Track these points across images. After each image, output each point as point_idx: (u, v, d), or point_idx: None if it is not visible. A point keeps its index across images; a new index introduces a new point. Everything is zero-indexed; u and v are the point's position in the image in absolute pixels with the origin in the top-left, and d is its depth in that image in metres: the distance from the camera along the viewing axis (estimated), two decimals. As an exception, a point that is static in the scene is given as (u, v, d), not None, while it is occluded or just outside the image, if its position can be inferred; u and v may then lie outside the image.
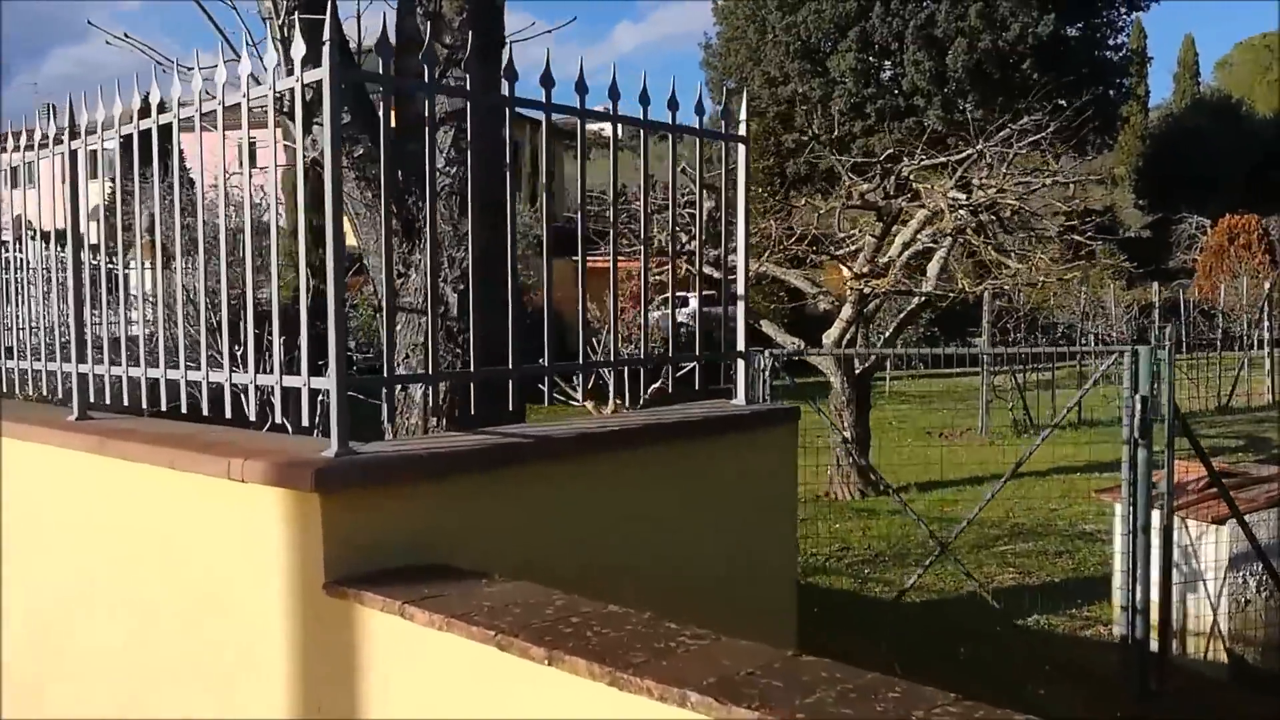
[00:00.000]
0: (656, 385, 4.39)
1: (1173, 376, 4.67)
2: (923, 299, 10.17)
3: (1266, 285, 18.84)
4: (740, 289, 3.83)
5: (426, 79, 2.79)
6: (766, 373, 5.05)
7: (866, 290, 9.56)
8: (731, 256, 3.95)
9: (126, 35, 4.51)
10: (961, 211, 9.40)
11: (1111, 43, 40.90)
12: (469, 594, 2.27)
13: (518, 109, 3.08)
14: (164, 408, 3.30)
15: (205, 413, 2.96)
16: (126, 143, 3.40)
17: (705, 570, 3.36)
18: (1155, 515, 4.84)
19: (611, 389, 3.45)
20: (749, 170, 3.87)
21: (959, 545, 8.60)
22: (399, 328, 4.78)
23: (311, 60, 2.62)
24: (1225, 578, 5.13)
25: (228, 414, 3.06)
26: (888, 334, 10.96)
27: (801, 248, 10.68)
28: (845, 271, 10.10)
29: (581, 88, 3.12)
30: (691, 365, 3.62)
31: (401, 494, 2.56)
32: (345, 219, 4.77)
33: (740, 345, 3.81)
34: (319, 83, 2.60)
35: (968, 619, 6.53)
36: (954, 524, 8.28)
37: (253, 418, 2.91)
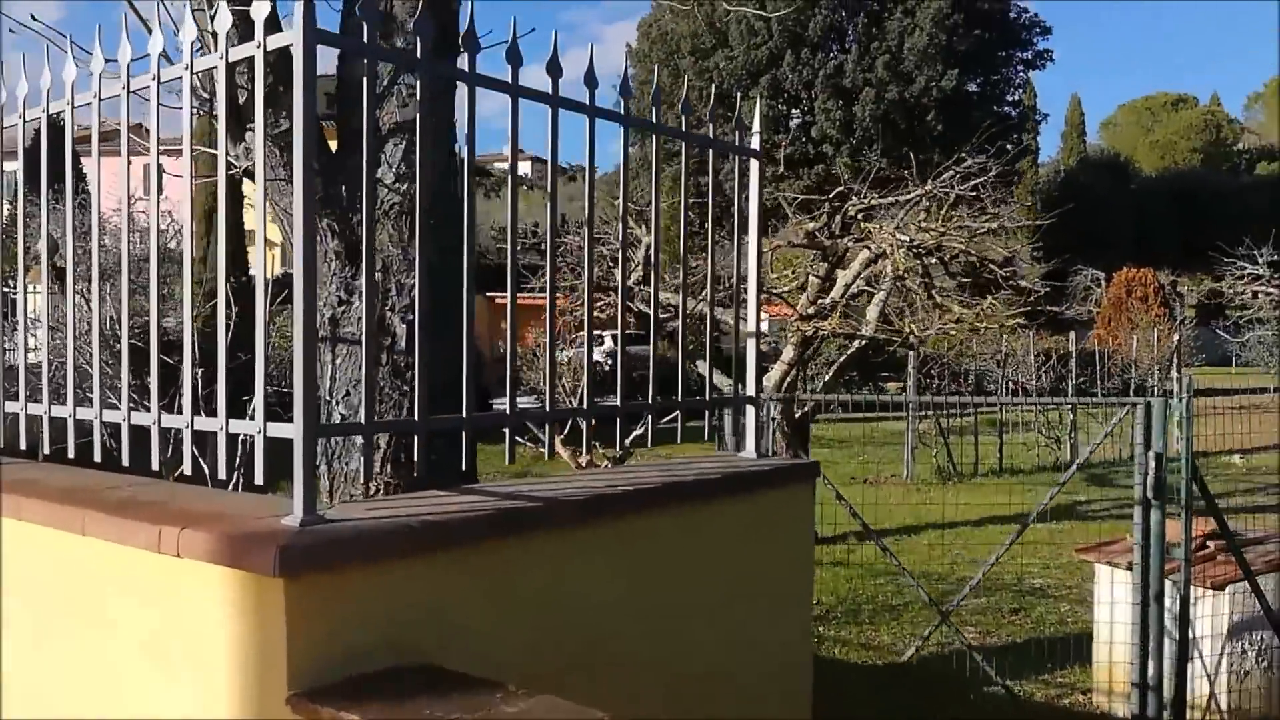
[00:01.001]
0: (638, 432, 3.87)
1: (1191, 431, 4.38)
2: (863, 342, 9.90)
3: (1176, 338, 19.44)
4: (751, 324, 3.36)
5: (366, 39, 2.23)
6: (775, 421, 4.59)
7: (810, 332, 9.22)
8: (742, 286, 3.48)
9: (33, 18, 3.81)
10: (900, 253, 9.18)
11: (1009, 99, 42.51)
12: (485, 716, 1.71)
13: (478, 86, 2.40)
14: (71, 452, 2.63)
15: (125, 461, 2.34)
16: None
17: (723, 652, 2.84)
18: (1162, 582, 4.51)
19: (585, 436, 2.94)
20: (763, 189, 3.43)
21: (910, 601, 8.25)
22: (339, 361, 4.16)
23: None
24: (1225, 648, 4.83)
25: (124, 461, 2.45)
26: (827, 377, 10.67)
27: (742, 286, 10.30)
28: (790, 312, 9.77)
29: (555, 69, 2.54)
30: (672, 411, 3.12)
31: (387, 574, 1.98)
32: (281, 237, 4.13)
33: (750, 389, 3.33)
34: (272, 57, 2.05)
35: (944, 684, 6.13)
36: (901, 577, 7.92)
37: (155, 465, 2.32)
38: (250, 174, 4.23)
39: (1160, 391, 18.41)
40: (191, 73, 2.26)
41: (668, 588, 2.69)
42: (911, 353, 13.86)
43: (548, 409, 2.60)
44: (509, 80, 2.42)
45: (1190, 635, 4.79)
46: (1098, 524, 11.75)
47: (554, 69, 2.53)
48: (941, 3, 37.19)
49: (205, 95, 3.63)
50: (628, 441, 4.10)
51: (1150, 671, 4.43)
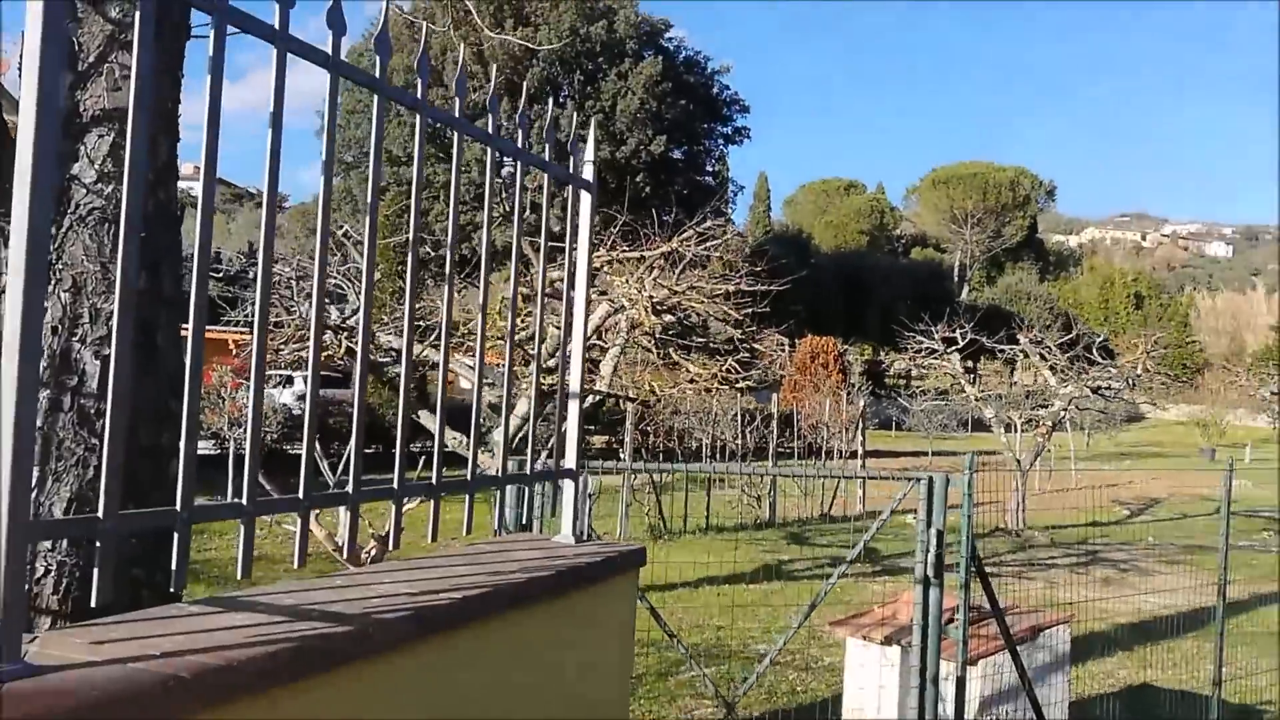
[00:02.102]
0: (411, 505, 3.20)
1: (971, 508, 4.35)
2: (598, 397, 9.62)
3: (861, 404, 21.06)
4: (575, 384, 2.85)
5: None
6: (589, 495, 4.05)
7: (548, 385, 8.81)
8: (558, 335, 2.96)
9: None
10: (643, 308, 9.04)
11: (709, 169, 45.12)
12: None
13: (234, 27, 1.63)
14: None
15: None
16: None
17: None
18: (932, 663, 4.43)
19: (351, 525, 2.29)
20: (593, 228, 2.95)
21: (642, 674, 7.93)
22: None
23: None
24: None
25: None
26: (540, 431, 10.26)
27: (466, 333, 9.75)
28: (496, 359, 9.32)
29: (337, 23, 1.93)
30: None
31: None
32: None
33: (571, 460, 2.81)
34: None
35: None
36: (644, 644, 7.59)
37: None
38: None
39: (848, 453, 19.78)
40: None
41: (492, 712, 2.11)
42: (630, 408, 13.83)
43: (302, 494, 1.88)
44: (328, 52, 1.79)
45: (945, 712, 4.77)
46: (805, 583, 12.16)
47: (335, 22, 1.93)
48: (653, 70, 38.88)
49: None
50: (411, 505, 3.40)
51: (929, 753, 4.33)
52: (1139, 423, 50.35)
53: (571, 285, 2.88)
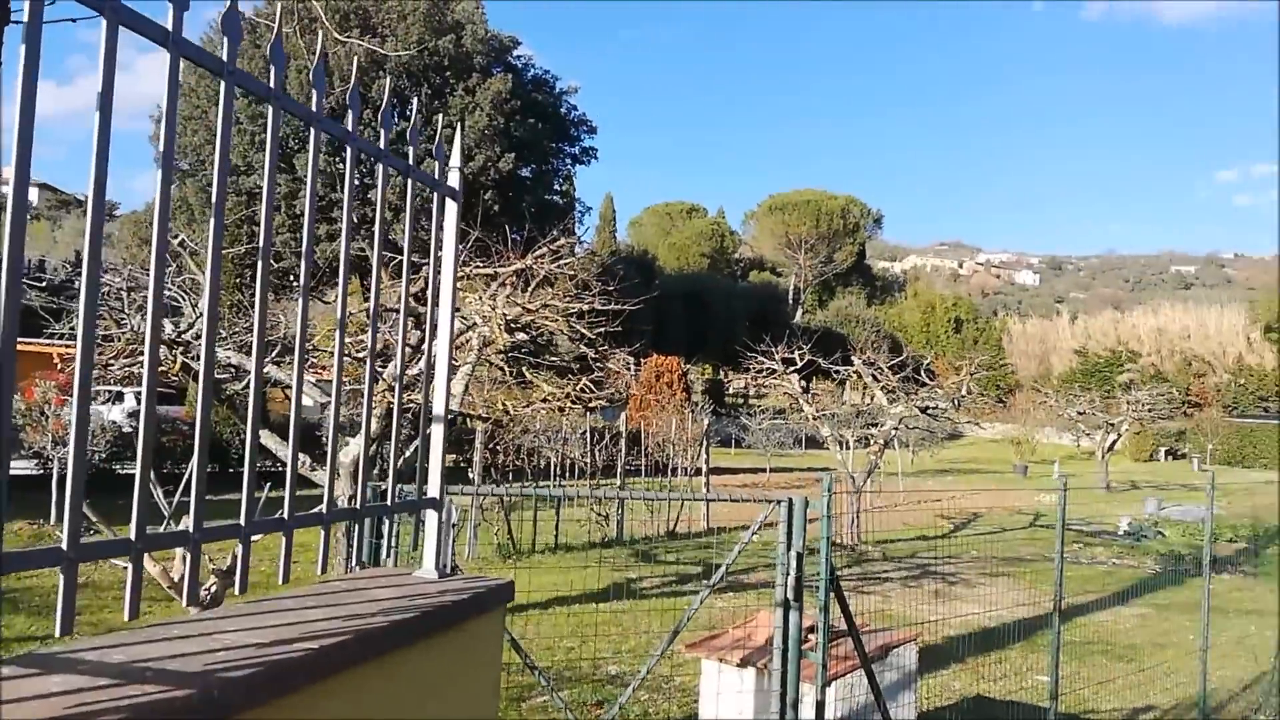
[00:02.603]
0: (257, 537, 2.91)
1: (830, 530, 4.36)
2: (450, 416, 9.31)
3: (706, 422, 21.32)
4: (439, 406, 2.66)
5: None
6: (456, 526, 3.78)
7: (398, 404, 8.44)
8: (408, 351, 2.75)
9: None
10: (497, 325, 8.83)
11: (557, 188, 45.08)
12: None
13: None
14: None
15: None
16: None
17: None
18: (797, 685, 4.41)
19: (190, 566, 2.05)
20: (457, 239, 2.77)
21: (503, 698, 7.68)
22: None
23: None
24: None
25: None
26: (407, 454, 9.86)
27: (313, 349, 9.27)
28: (383, 383, 8.89)
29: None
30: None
31: None
32: None
33: (435, 488, 2.62)
34: None
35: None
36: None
37: None
38: None
39: (693, 470, 19.98)
40: None
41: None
42: (480, 428, 13.50)
43: (135, 533, 1.66)
44: None
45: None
46: (655, 601, 12.12)
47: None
48: (502, 87, 38.55)
49: None
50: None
51: (790, 779, 4.28)
52: (958, 440, 53.28)
53: (436, 300, 2.69)
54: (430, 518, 2.61)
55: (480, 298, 8.69)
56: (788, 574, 4.25)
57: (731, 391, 64.55)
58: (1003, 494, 27.12)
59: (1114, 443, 35.94)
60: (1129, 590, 14.64)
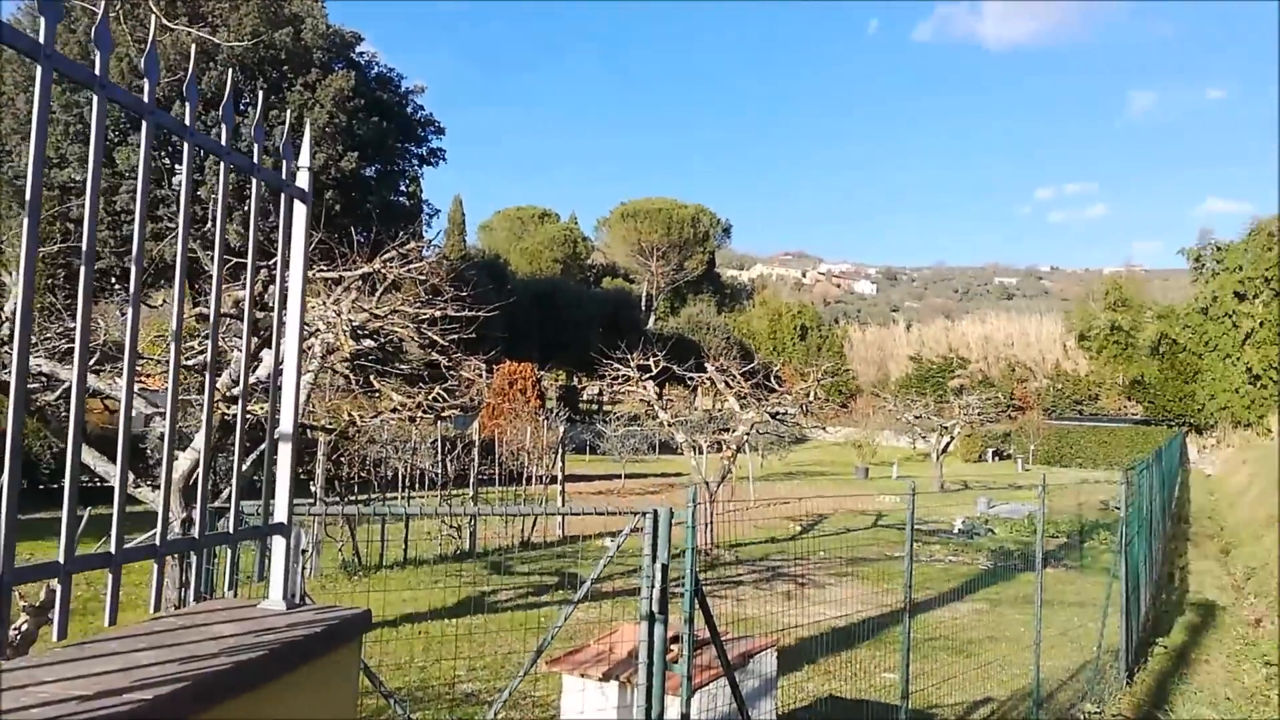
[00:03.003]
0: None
1: (694, 541, 4.31)
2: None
3: (561, 429, 21.16)
4: (287, 422, 2.47)
5: None
6: (307, 553, 3.51)
7: (231, 416, 7.98)
8: (239, 360, 2.54)
9: None
10: (342, 332, 8.48)
11: (403, 189, 44.05)
12: None
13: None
14: None
15: None
16: None
17: None
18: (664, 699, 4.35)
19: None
20: (308, 244, 2.58)
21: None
22: None
23: None
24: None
25: None
26: (246, 466, 9.34)
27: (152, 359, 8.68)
28: (218, 393, 8.36)
29: None
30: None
31: None
32: None
33: (282, 512, 2.42)
34: None
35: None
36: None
37: None
38: None
39: (548, 478, 19.80)
40: None
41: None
42: (323, 439, 12.96)
43: None
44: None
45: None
46: (509, 614, 11.91)
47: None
48: (344, 84, 37.37)
49: None
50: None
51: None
52: (804, 444, 54.97)
53: (284, 305, 2.50)
54: (277, 544, 2.41)
55: (324, 303, 8.31)
56: (653, 586, 4.19)
57: (586, 398, 64.56)
58: (847, 496, 28.07)
59: (948, 445, 37.79)
60: (964, 586, 15.38)
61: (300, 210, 2.51)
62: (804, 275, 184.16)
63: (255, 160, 2.29)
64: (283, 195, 2.45)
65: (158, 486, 8.88)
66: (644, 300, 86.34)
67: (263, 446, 3.36)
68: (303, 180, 2.52)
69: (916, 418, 38.76)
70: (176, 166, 31.95)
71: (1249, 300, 50.27)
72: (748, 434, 20.28)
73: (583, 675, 5.32)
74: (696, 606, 4.34)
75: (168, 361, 2.15)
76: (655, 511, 4.23)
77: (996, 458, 53.61)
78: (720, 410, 24.06)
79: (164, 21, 5.81)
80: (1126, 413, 57.70)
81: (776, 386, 21.73)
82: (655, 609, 4.19)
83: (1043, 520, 9.11)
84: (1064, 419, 57.00)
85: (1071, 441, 51.27)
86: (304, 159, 2.54)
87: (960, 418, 38.31)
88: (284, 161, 2.47)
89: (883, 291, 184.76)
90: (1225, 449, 47.30)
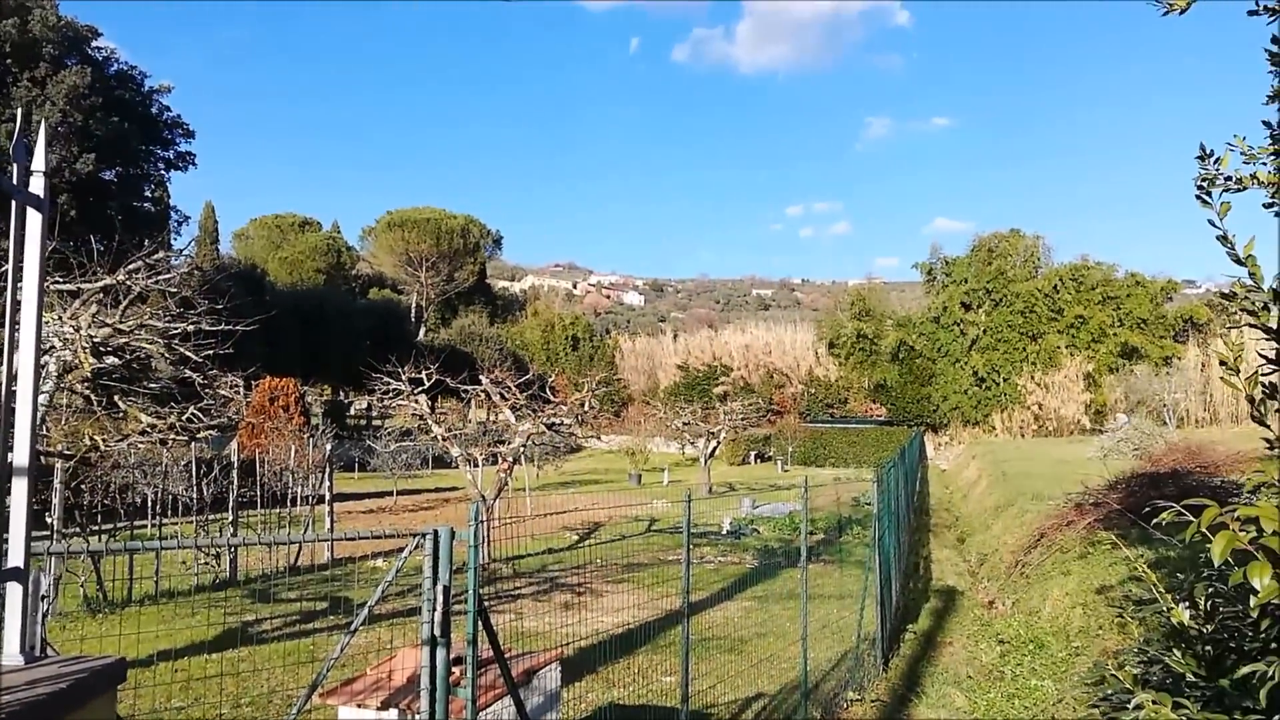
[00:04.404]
0: None
1: (476, 559, 4.21)
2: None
3: (327, 447, 20.21)
4: (23, 455, 2.21)
5: None
6: (43, 596, 3.07)
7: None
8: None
9: None
10: (83, 350, 7.77)
11: (148, 194, 40.91)
12: None
13: None
14: None
15: None
16: None
17: None
18: None
19: None
20: (44, 254, 2.32)
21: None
22: None
23: None
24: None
25: None
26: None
27: None
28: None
29: None
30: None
31: None
32: None
33: (17, 555, 2.16)
34: None
35: None
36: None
37: None
38: None
39: (315, 498, 18.88)
40: None
41: None
42: (59, 466, 11.77)
43: None
44: None
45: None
46: (276, 644, 11.26)
47: None
48: (79, 81, 34.31)
49: None
50: None
51: (441, 824, 4.08)
52: (578, 453, 55.47)
53: (17, 324, 2.24)
54: (13, 592, 2.15)
55: (60, 317, 7.53)
56: (434, 610, 4.06)
57: (354, 413, 62.20)
58: (621, 504, 28.58)
59: (714, 449, 39.24)
60: (734, 585, 16.01)
61: (35, 218, 2.26)
62: (575, 286, 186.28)
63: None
64: (15, 202, 2.19)
65: None
66: (414, 311, 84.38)
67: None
68: (37, 186, 2.27)
69: (685, 424, 40.01)
70: None
71: (973, 309, 55.65)
72: (524, 445, 20.22)
73: (360, 705, 5.10)
74: (480, 626, 4.25)
75: None
76: (436, 532, 4.11)
77: (759, 460, 56.22)
78: (495, 422, 23.87)
79: None
80: (872, 414, 62.12)
81: (552, 397, 21.81)
82: (437, 632, 4.07)
83: (807, 519, 9.62)
84: (818, 421, 60.61)
85: (825, 442, 54.59)
86: (39, 163, 2.29)
87: (725, 423, 39.90)
88: (13, 165, 2.21)
89: (650, 302, 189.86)
90: (957, 446, 52.00)
